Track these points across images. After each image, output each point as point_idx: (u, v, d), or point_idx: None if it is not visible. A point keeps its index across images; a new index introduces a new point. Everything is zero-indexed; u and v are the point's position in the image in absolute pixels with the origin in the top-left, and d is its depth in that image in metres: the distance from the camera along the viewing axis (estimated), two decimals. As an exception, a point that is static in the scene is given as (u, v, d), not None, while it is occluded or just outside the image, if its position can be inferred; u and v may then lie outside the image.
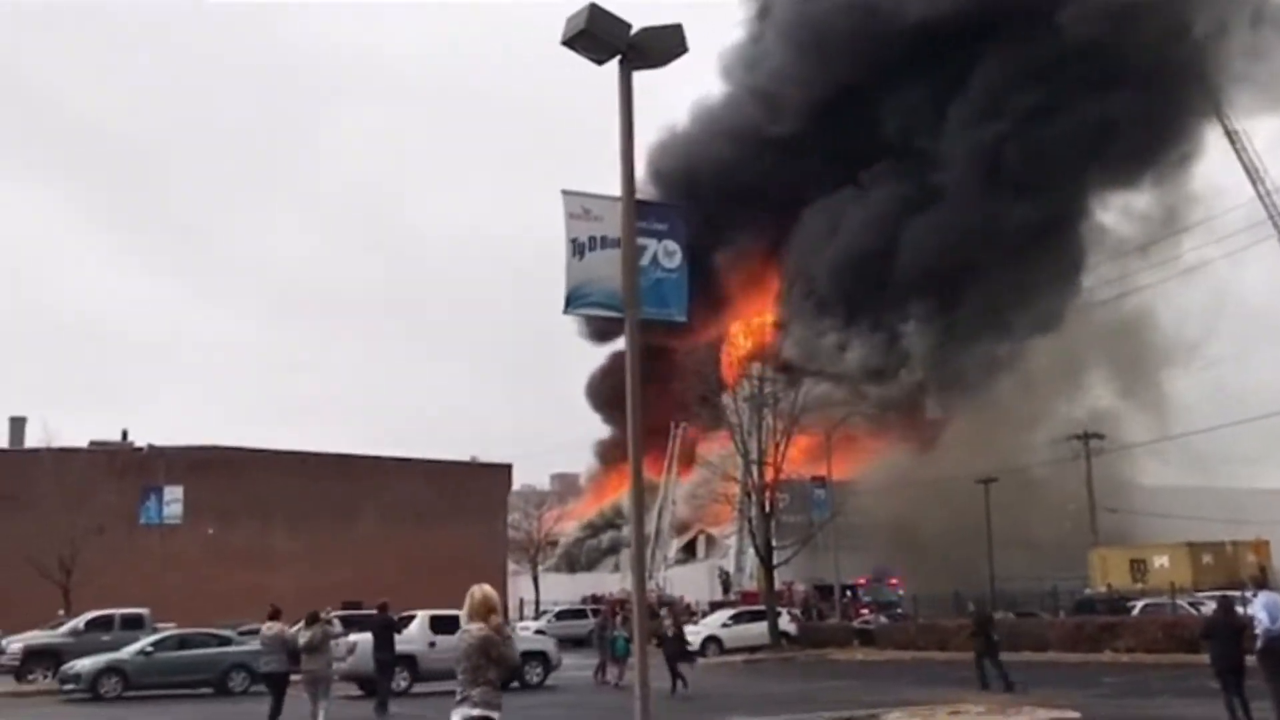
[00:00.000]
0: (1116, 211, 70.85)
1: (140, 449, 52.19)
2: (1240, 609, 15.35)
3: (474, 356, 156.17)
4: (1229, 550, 48.73)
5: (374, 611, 22.46)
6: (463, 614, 7.14)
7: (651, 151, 77.43)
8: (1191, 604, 33.94)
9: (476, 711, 6.81)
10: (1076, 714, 15.55)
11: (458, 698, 6.89)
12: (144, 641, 27.12)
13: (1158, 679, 22.28)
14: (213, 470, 49.84)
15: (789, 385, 43.52)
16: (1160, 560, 47.63)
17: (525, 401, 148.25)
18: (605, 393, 76.86)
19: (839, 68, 67.45)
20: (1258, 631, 13.75)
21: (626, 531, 74.45)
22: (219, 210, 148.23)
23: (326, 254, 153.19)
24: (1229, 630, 14.28)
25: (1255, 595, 15.02)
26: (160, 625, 31.25)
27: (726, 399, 43.85)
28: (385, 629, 21.21)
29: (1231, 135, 65.38)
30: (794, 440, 40.15)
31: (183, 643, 27.11)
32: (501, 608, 7.14)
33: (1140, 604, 36.07)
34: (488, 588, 7.31)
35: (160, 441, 51.70)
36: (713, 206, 69.07)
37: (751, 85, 75.66)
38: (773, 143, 71.85)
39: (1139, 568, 47.85)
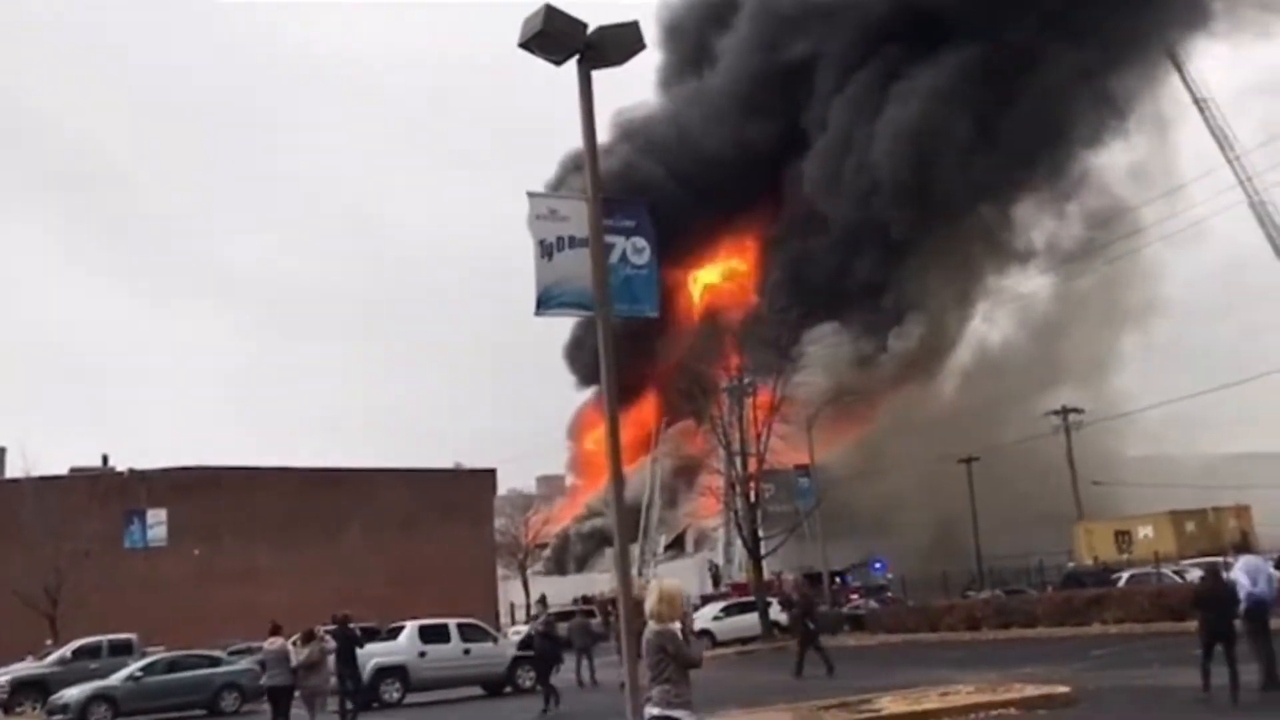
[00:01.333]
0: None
1: (121, 473, 51.82)
2: (1224, 574, 15.47)
3: (454, 363, 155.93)
4: (1211, 517, 49.17)
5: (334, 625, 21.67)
6: (646, 611, 7.01)
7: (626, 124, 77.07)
8: (1176, 572, 34.27)
9: (655, 710, 6.77)
10: (1067, 688, 15.57)
11: (645, 695, 6.91)
12: (132, 667, 26.94)
13: (1147, 648, 22.40)
14: (195, 491, 49.54)
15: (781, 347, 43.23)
16: (1144, 530, 48.00)
17: (506, 406, 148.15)
18: (586, 362, 73.11)
19: None
20: (1240, 596, 14.02)
21: (606, 523, 74.56)
22: (192, 227, 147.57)
23: (302, 267, 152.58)
24: (1218, 597, 14.34)
25: (1236, 560, 15.22)
26: (149, 649, 31.03)
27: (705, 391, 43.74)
28: (346, 643, 20.91)
29: (1200, 104, 66.95)
30: (775, 430, 40.17)
31: (172, 666, 27.00)
32: (684, 605, 7.08)
33: (1126, 575, 36.35)
34: (671, 584, 7.22)
35: (142, 464, 51.53)
36: (697, 175, 68.59)
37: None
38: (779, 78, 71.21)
39: (1124, 539, 48.18)
